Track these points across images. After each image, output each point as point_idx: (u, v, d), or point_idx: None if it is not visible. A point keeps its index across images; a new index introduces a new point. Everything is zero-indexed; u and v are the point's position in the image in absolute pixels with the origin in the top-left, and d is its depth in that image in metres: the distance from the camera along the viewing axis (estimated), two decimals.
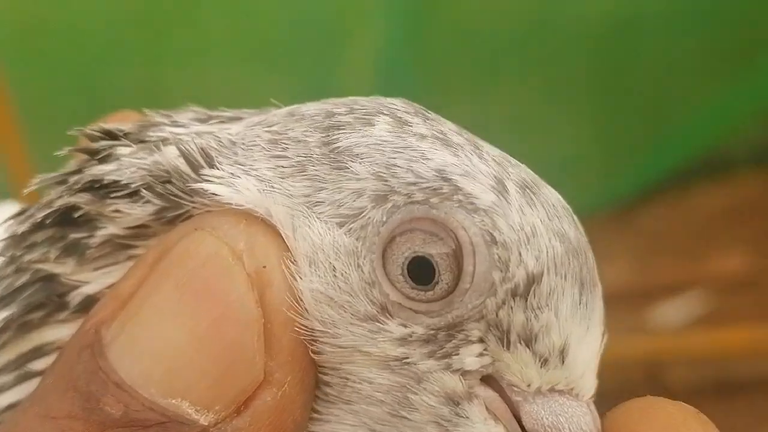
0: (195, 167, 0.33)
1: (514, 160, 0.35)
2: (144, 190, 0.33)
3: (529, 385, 0.33)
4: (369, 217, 0.32)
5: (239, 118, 0.36)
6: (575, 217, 0.35)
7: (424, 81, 1.22)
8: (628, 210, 1.34)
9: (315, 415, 0.34)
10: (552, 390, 0.33)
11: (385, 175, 0.32)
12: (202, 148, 0.33)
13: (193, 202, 0.33)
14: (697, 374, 1.23)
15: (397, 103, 0.35)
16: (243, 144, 0.34)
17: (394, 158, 0.33)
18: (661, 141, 1.35)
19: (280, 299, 0.32)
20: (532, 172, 0.35)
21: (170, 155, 0.33)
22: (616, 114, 1.34)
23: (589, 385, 0.33)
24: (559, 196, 0.35)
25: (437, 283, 0.31)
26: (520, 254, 0.32)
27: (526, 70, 1.28)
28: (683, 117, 1.35)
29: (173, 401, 0.30)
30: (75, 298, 0.33)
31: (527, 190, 0.33)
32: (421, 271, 0.31)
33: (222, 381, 0.30)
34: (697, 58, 1.31)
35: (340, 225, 0.32)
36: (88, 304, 0.33)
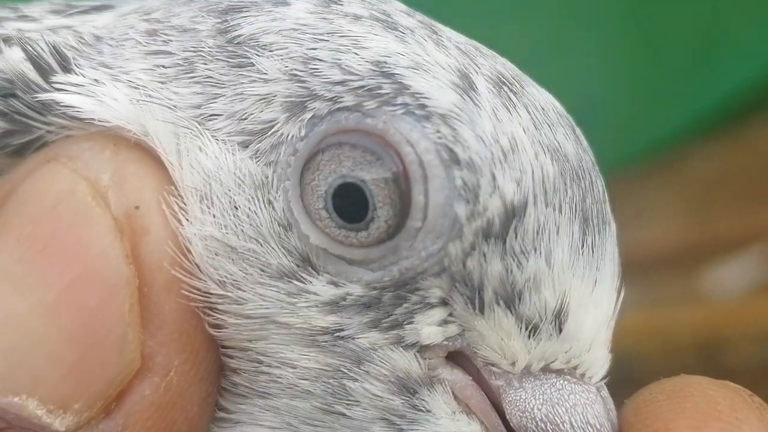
0: (45, 73, 0.31)
1: (487, 50, 0.33)
2: None
3: (513, 364, 0.31)
4: (281, 133, 0.31)
5: (109, 7, 0.35)
6: (577, 130, 0.32)
7: None
8: (672, 155, 1.30)
9: (221, 414, 0.32)
10: (546, 369, 0.31)
11: (302, 73, 0.31)
12: (55, 47, 0.32)
13: (46, 122, 0.31)
14: (764, 351, 1.17)
15: None
16: (111, 39, 0.33)
17: (315, 48, 0.31)
18: (711, 70, 1.33)
19: (161, 252, 0.30)
20: (513, 66, 0.32)
21: (14, 59, 0.32)
22: (656, 40, 1.33)
23: (599, 361, 0.32)
24: (554, 99, 0.33)
25: (372, 220, 0.30)
26: (493, 177, 0.30)
27: None
28: (737, 41, 1.33)
29: (15, 399, 0.28)
30: None
31: (504, 88, 0.31)
32: (351, 204, 0.30)
33: (82, 369, 0.29)
34: None
35: (243, 145, 0.31)
36: None
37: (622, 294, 0.32)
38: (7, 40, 0.32)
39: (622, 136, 1.26)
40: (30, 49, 0.31)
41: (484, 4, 1.27)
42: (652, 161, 1.31)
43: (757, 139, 1.33)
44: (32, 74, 0.31)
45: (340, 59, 0.30)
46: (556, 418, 0.30)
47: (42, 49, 0.32)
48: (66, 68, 0.31)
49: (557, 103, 0.32)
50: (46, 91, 0.31)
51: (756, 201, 1.31)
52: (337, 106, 0.30)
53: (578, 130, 0.32)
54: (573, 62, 1.28)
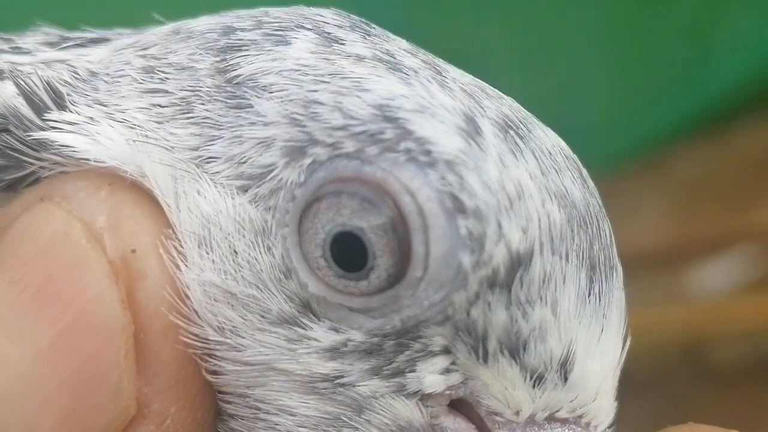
0: (39, 109, 0.31)
1: (493, 90, 0.32)
2: None
3: (517, 413, 0.30)
4: (280, 178, 0.30)
5: (105, 40, 0.34)
6: (584, 171, 0.32)
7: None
8: (657, 156, 1.31)
9: None
10: (551, 419, 0.30)
11: (302, 117, 0.30)
12: (48, 83, 0.31)
13: (39, 158, 0.31)
14: (747, 350, 1.19)
15: (326, 14, 0.33)
16: (107, 75, 0.33)
17: (316, 91, 0.30)
18: (697, 72, 1.33)
19: (158, 297, 0.30)
20: (519, 106, 0.32)
21: (6, 93, 0.31)
22: (646, 39, 1.32)
23: (604, 410, 0.31)
24: (560, 141, 0.32)
25: (372, 269, 0.29)
26: (499, 225, 0.29)
27: None
28: (722, 44, 1.33)
29: None
30: None
31: (510, 132, 0.30)
32: (351, 252, 0.29)
33: (76, 416, 0.28)
34: None
35: (243, 189, 0.30)
36: None
37: (629, 341, 0.31)
38: (0, 74, 0.32)
39: (608, 137, 1.26)
40: (23, 84, 0.31)
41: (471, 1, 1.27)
42: (637, 162, 1.31)
43: (741, 141, 1.33)
44: (25, 110, 0.31)
45: (341, 102, 0.30)
46: None
47: (35, 85, 0.31)
48: (60, 105, 0.31)
49: (564, 145, 0.32)
50: (40, 128, 0.31)
51: (740, 201, 1.31)
52: (337, 152, 0.29)
53: (585, 173, 0.32)
54: (560, 62, 1.28)
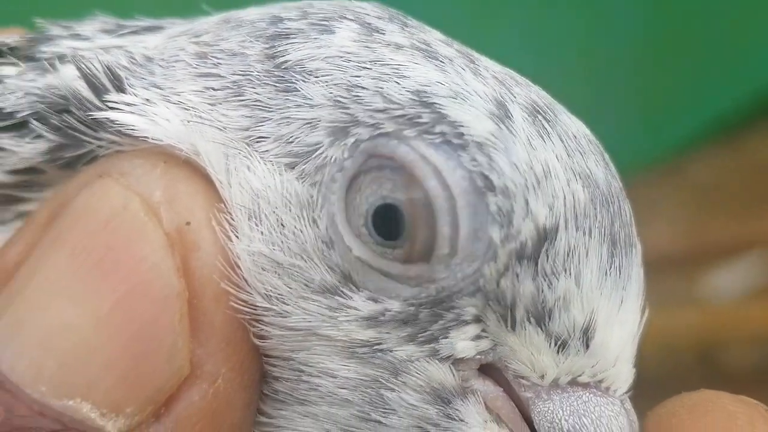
0: (99, 91, 0.32)
1: (522, 78, 0.33)
2: (34, 121, 0.32)
3: (542, 377, 0.31)
4: (326, 156, 0.31)
5: (159, 28, 0.35)
6: (606, 156, 0.33)
7: None
8: (673, 162, 1.32)
9: (261, 419, 0.33)
10: (573, 383, 0.31)
11: (345, 99, 0.31)
12: (108, 67, 0.32)
13: (98, 138, 0.32)
14: (760, 354, 1.20)
15: (367, 6, 0.34)
16: (162, 60, 0.33)
17: (359, 76, 0.31)
18: (713, 79, 1.34)
19: (210, 266, 0.30)
20: (546, 94, 0.33)
21: (68, 76, 0.32)
22: (658, 47, 1.32)
23: (623, 376, 0.32)
24: (585, 127, 0.33)
25: (409, 239, 0.30)
26: (527, 202, 0.30)
27: None
28: (739, 51, 1.34)
29: (70, 403, 0.29)
30: None
31: (539, 117, 0.31)
32: (391, 224, 0.30)
33: (134, 376, 0.29)
34: None
35: (290, 167, 0.31)
36: None
37: (647, 313, 0.32)
38: (62, 58, 0.33)
39: (625, 144, 1.26)
40: (84, 67, 0.32)
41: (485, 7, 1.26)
42: (653, 169, 1.30)
43: (755, 148, 1.34)
44: (86, 92, 0.32)
45: (382, 87, 0.31)
46: (582, 428, 0.30)
47: (96, 69, 0.32)
48: (119, 87, 0.32)
49: (588, 132, 0.33)
50: (99, 109, 0.31)
51: (754, 208, 1.31)
52: (378, 131, 0.30)
53: (607, 157, 0.33)
54: (578, 70, 1.28)
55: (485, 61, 0.33)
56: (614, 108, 1.29)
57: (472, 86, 0.31)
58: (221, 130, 0.31)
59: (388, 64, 0.31)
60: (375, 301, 0.30)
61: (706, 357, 1.21)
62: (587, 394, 0.31)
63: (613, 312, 0.31)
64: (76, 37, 0.34)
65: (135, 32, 0.34)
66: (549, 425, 0.30)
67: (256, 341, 0.31)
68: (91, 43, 0.34)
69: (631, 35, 1.31)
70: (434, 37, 0.33)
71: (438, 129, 0.30)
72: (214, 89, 0.32)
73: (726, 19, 1.32)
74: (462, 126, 0.30)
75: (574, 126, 0.32)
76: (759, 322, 1.24)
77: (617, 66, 1.30)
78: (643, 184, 1.22)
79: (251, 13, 0.34)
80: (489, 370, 0.31)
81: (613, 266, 0.31)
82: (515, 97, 0.31)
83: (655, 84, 1.32)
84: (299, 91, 0.31)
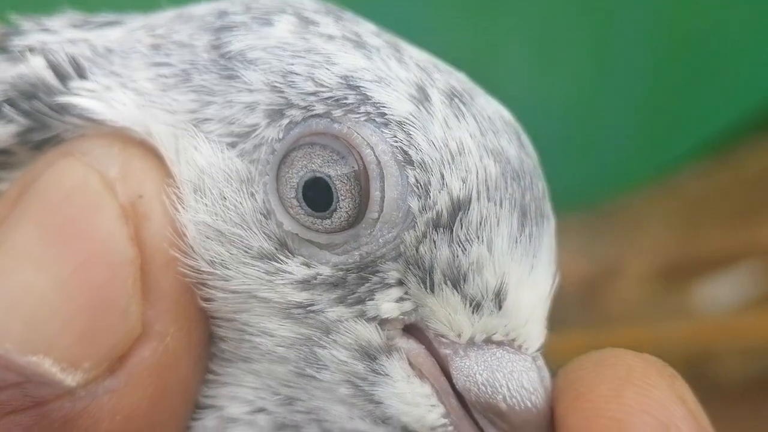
0: (64, 79, 0.34)
1: (445, 66, 0.35)
2: (6, 107, 0.33)
3: (459, 335, 0.33)
4: (263, 136, 0.33)
5: (120, 23, 0.37)
6: (523, 136, 0.35)
7: None
8: (669, 173, 1.31)
9: (210, 377, 0.34)
10: (488, 341, 0.33)
11: (281, 84, 0.33)
12: (72, 57, 0.34)
13: (63, 121, 0.33)
14: (752, 366, 1.20)
15: (305, 2, 0.36)
16: (122, 51, 0.35)
17: (293, 64, 0.33)
18: (707, 96, 1.34)
19: (160, 235, 0.32)
20: (467, 79, 0.35)
21: (37, 66, 0.34)
22: (655, 66, 1.33)
23: (535, 335, 0.34)
24: (503, 109, 0.35)
25: (335, 210, 0.32)
26: (442, 176, 0.32)
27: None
28: (733, 68, 1.34)
29: (33, 359, 0.30)
30: None
31: (455, 100, 0.33)
32: (319, 196, 0.32)
33: (91, 334, 0.31)
34: (749, 3, 1.32)
35: (231, 146, 0.33)
36: None
37: (557, 279, 0.34)
38: (32, 50, 0.34)
39: (622, 158, 1.26)
40: (51, 58, 0.34)
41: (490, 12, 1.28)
42: (646, 180, 1.29)
43: (747, 162, 1.32)
44: (52, 80, 0.33)
45: (313, 73, 0.33)
46: (495, 382, 0.32)
47: (61, 58, 0.34)
48: (81, 75, 0.34)
49: (505, 113, 0.35)
50: (64, 94, 0.33)
51: (745, 219, 1.30)
52: (310, 113, 0.32)
53: (524, 137, 0.34)
54: (571, 85, 1.27)
55: (411, 51, 0.35)
56: (610, 124, 1.29)
57: (395, 72, 0.33)
58: (171, 113, 0.33)
59: (320, 53, 0.33)
60: (308, 266, 0.32)
61: (697, 369, 1.19)
62: (501, 351, 0.33)
63: (523, 276, 0.33)
64: (46, 31, 0.36)
65: (99, 26, 0.36)
66: (465, 379, 0.32)
67: (203, 304, 0.33)
68: (59, 36, 0.35)
69: (628, 54, 1.31)
70: (366, 29, 0.35)
71: (363, 109, 0.32)
72: (165, 77, 0.34)
73: (721, 37, 1.32)
74: (384, 107, 0.32)
75: (491, 108, 0.34)
76: (751, 334, 1.23)
77: (614, 84, 1.31)
78: (635, 196, 1.22)
79: (202, 8, 0.36)
80: (412, 329, 0.33)
81: (523, 234, 0.33)
82: (434, 82, 0.33)
83: (649, 101, 1.32)
84: (240, 77, 0.33)
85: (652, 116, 1.34)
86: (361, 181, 0.32)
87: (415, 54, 0.35)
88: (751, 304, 1.26)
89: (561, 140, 1.02)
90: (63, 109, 0.33)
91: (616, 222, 1.27)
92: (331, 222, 0.32)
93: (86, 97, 0.33)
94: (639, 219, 1.23)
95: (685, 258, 1.28)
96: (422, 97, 0.33)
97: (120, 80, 0.34)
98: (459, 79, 0.35)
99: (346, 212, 0.32)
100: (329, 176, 0.32)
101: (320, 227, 0.32)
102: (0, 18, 0.37)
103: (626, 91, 1.32)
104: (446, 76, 0.34)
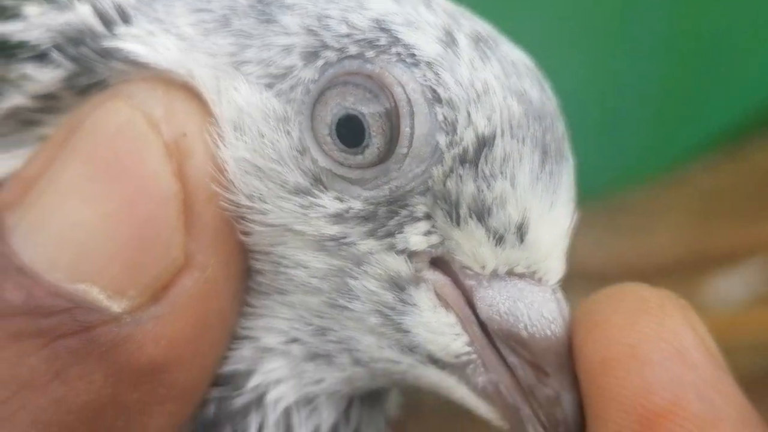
0: (109, 25, 0.35)
1: (471, 15, 0.36)
2: (54, 52, 0.34)
3: (483, 267, 0.34)
4: (299, 77, 0.34)
5: None
6: (544, 81, 0.36)
7: None
8: (678, 170, 1.29)
9: (247, 309, 0.36)
10: (510, 273, 0.34)
11: (316, 28, 0.34)
12: (118, 4, 0.35)
13: (108, 65, 0.34)
14: (762, 361, 1.14)
15: None
16: None
17: (328, 8, 0.34)
18: (718, 90, 1.34)
19: (202, 171, 0.33)
20: (492, 28, 0.36)
21: (84, 14, 0.35)
22: (666, 59, 1.33)
23: (554, 268, 0.35)
24: (526, 57, 0.36)
25: (367, 146, 0.33)
26: (468, 114, 0.33)
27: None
28: (743, 63, 1.34)
29: (81, 286, 0.32)
30: None
31: (481, 44, 0.35)
32: (352, 133, 0.33)
33: (136, 264, 0.32)
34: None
35: (269, 86, 0.34)
36: None
37: (576, 216, 0.35)
38: None
39: (632, 152, 1.26)
40: (98, 5, 0.35)
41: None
42: (656, 175, 1.28)
43: (758, 156, 1.31)
44: (98, 26, 0.34)
45: (347, 17, 0.34)
46: (517, 311, 0.33)
47: (108, 6, 0.35)
48: (127, 21, 0.34)
49: (527, 60, 0.36)
50: (110, 39, 0.34)
51: (757, 215, 1.28)
52: (344, 54, 0.33)
53: (545, 83, 0.36)
54: (585, 78, 1.30)
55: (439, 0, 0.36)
56: (621, 117, 1.29)
57: (424, 17, 0.34)
58: (212, 56, 0.34)
59: None
60: (340, 200, 0.33)
61: None
62: (522, 282, 0.34)
63: (544, 211, 0.34)
64: None
65: None
66: (488, 309, 0.34)
67: (241, 237, 0.34)
68: None
69: (639, 47, 1.31)
70: None
71: (394, 50, 0.33)
72: (206, 22, 0.35)
73: (732, 31, 1.31)
74: (414, 48, 0.33)
75: (514, 54, 0.35)
76: (762, 329, 1.22)
77: (625, 77, 1.31)
78: (645, 190, 1.21)
79: None
80: (438, 262, 0.34)
81: (544, 171, 0.34)
82: (461, 27, 0.35)
83: (660, 94, 1.33)
84: (278, 21, 0.34)
85: (663, 111, 1.34)
86: (392, 118, 0.33)
87: (442, 2, 0.36)
88: (763, 298, 1.22)
89: (571, 135, 1.03)
90: (108, 54, 0.34)
91: (626, 216, 1.26)
92: (363, 158, 0.33)
93: (131, 42, 0.34)
94: (649, 214, 1.22)
95: (696, 254, 1.27)
96: (449, 41, 0.34)
97: (163, 26, 0.35)
98: (484, 26, 0.36)
99: (378, 148, 0.33)
100: (362, 113, 0.33)
101: (352, 163, 0.33)
102: None
103: (637, 85, 1.32)
104: (472, 23, 0.35)
